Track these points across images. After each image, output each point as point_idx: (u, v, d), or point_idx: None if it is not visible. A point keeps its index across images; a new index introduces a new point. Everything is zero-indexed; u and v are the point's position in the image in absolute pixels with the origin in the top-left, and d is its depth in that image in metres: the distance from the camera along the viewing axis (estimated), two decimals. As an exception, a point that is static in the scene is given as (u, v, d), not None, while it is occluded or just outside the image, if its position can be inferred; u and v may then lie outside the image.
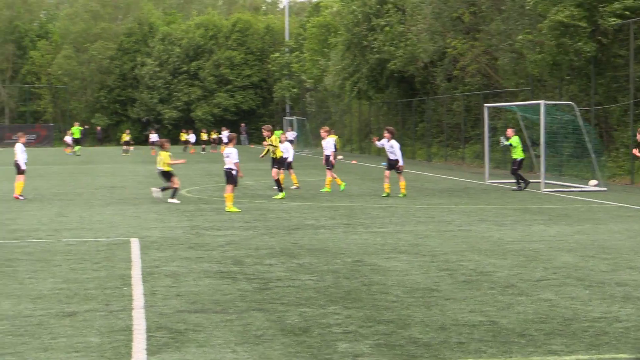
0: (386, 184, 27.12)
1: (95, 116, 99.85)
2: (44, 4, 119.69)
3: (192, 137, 72.72)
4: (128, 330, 9.71)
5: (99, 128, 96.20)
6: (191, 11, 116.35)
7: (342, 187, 29.25)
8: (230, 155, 22.93)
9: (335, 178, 29.49)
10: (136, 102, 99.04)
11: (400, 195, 26.81)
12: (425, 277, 12.93)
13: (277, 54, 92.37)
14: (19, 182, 26.72)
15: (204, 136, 79.08)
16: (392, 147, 27.08)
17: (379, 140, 28.43)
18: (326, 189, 29.46)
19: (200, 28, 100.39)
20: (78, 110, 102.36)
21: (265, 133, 27.75)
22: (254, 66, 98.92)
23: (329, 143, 30.38)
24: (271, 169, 27.87)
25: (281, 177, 27.46)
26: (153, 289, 12.06)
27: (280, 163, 27.80)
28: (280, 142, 28.22)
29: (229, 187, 22.81)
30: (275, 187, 27.11)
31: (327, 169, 29.91)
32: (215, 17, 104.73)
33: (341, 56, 60.81)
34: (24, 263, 14.29)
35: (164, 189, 25.37)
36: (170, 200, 24.93)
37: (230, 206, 22.59)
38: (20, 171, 26.81)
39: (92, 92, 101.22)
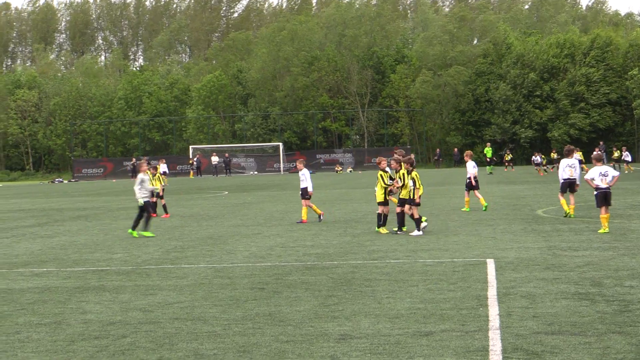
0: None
1: (450, 134, 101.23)
2: (401, 29, 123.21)
3: (537, 159, 71.54)
4: (484, 351, 9.66)
5: (455, 150, 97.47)
6: (548, 29, 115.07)
7: (467, 209, 30.08)
8: (608, 173, 22.09)
9: (480, 198, 30.57)
10: (490, 124, 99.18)
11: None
12: None
13: (635, 70, 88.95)
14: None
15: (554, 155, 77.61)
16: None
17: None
18: (465, 208, 30.41)
19: (553, 47, 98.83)
20: (433, 132, 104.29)
21: (393, 165, 23.75)
22: (612, 83, 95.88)
23: (469, 166, 30.95)
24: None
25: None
26: (509, 309, 11.94)
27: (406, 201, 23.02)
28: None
29: (604, 209, 21.80)
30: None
31: (466, 190, 30.83)
32: (575, 34, 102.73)
33: None
34: (382, 283, 14.65)
35: None
36: None
37: (606, 226, 21.59)
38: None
39: (447, 114, 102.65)
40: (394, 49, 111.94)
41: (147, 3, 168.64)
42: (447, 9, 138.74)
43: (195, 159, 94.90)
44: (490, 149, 75.07)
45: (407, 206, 22.86)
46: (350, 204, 36.06)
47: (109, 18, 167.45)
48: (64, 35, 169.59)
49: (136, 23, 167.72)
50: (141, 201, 24.28)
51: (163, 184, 34.14)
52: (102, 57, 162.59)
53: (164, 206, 33.16)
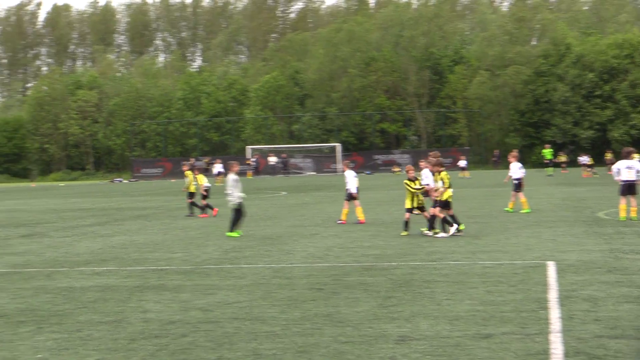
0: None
1: (509, 135, 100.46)
2: (458, 30, 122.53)
3: (585, 159, 70.60)
4: (545, 354, 9.56)
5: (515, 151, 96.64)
6: (606, 29, 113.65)
7: (528, 209, 29.93)
8: None
9: (511, 202, 30.61)
10: (550, 126, 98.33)
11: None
12: None
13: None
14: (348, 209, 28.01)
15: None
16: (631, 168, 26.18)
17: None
18: (526, 209, 29.98)
19: (612, 47, 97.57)
20: (492, 133, 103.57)
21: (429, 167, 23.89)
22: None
23: (513, 167, 30.81)
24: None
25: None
26: (570, 313, 11.80)
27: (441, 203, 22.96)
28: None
29: None
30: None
31: (517, 192, 30.55)
32: (635, 34, 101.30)
33: None
34: (441, 285, 14.57)
35: None
36: None
37: None
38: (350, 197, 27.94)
39: (506, 115, 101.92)
40: (451, 50, 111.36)
41: (205, 4, 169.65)
42: (505, 9, 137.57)
43: (253, 160, 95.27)
44: (550, 150, 74.18)
45: (433, 208, 22.82)
46: (408, 205, 35.88)
47: (168, 19, 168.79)
48: (123, 37, 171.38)
49: (194, 24, 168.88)
50: (233, 204, 24.34)
51: (206, 184, 34.46)
52: (161, 58, 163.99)
53: (208, 205, 33.49)
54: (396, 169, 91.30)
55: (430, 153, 25.01)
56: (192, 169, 35.96)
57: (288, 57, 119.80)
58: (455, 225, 22.76)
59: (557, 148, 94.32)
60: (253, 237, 24.17)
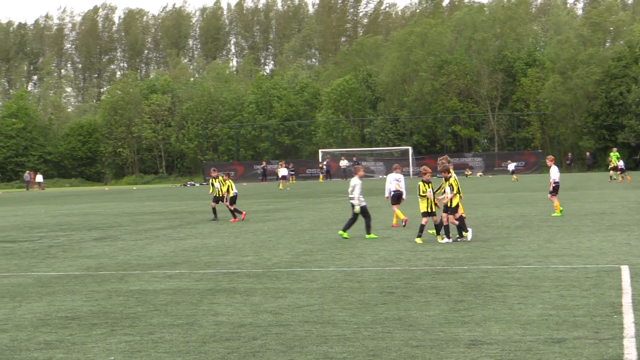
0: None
1: (583, 138, 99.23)
2: (532, 32, 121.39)
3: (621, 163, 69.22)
4: (619, 359, 9.42)
5: (588, 154, 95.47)
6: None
7: (558, 214, 29.98)
8: None
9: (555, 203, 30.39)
10: (624, 128, 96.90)
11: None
12: None
13: None
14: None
15: None
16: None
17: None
18: (557, 213, 30.10)
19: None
20: (565, 136, 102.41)
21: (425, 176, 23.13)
22: None
23: (553, 171, 30.85)
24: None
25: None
26: (645, 318, 11.62)
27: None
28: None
29: None
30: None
31: (551, 194, 30.57)
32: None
33: None
34: (513, 288, 14.44)
35: None
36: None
37: None
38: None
39: (579, 117, 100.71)
40: (525, 52, 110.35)
41: (279, 6, 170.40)
42: (579, 11, 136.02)
43: (324, 163, 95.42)
44: (616, 154, 71.90)
45: (443, 213, 22.57)
46: (480, 209, 35.69)
47: (241, 23, 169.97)
48: (196, 41, 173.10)
49: (266, 28, 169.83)
50: (357, 208, 24.27)
51: (234, 191, 34.47)
52: (234, 62, 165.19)
53: (235, 210, 33.60)
54: (468, 172, 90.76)
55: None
56: (220, 175, 36.19)
57: (359, 60, 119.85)
58: (469, 232, 22.60)
59: (632, 151, 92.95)
60: (324, 240, 24.21)
